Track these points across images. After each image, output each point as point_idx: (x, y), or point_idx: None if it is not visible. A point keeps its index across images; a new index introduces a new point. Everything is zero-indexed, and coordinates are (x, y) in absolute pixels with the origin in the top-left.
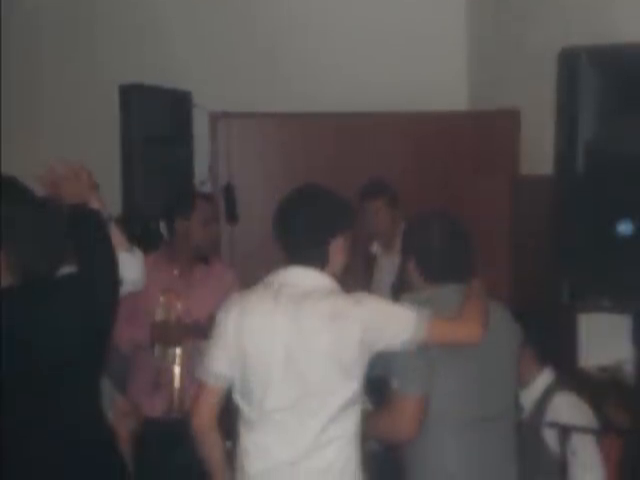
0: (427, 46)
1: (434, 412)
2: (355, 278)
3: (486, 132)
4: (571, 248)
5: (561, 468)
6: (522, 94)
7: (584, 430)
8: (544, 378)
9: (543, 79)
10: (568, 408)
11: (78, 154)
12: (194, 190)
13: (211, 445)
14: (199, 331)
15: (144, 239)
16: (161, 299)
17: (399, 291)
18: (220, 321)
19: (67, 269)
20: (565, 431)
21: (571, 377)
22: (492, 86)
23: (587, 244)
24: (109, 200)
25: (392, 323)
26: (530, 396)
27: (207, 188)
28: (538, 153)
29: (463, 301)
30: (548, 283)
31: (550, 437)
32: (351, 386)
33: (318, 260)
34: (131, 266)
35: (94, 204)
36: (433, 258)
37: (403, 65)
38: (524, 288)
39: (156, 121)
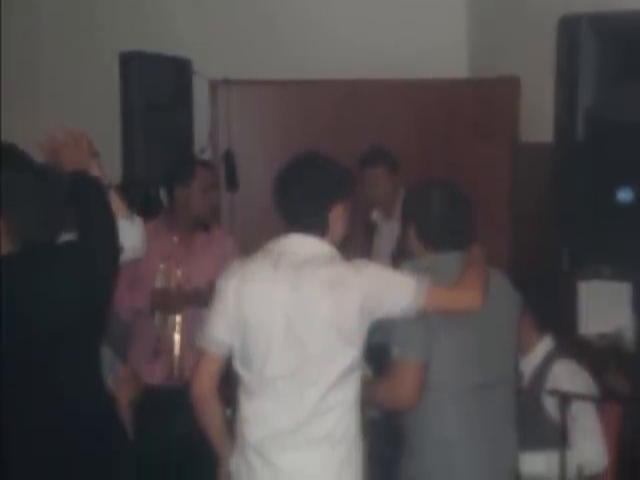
0: (427, 13)
1: (434, 379)
2: (355, 245)
3: (486, 99)
4: (571, 215)
5: (561, 435)
6: (522, 61)
7: (584, 397)
8: (544, 345)
9: (543, 46)
10: (568, 375)
11: (78, 121)
12: (194, 157)
13: (211, 413)
14: (199, 299)
15: (144, 206)
16: (161, 266)
17: (399, 258)
18: (220, 289)
19: (67, 236)
20: (565, 398)
21: (571, 344)
22: (492, 53)
23: (587, 211)
24: (109, 167)
25: (392, 290)
26: (530, 363)
27: (207, 155)
28: (538, 120)
29: (463, 268)
30: (548, 250)
31: (550, 404)
32: (351, 353)
33: (318, 228)
34: (131, 233)
35: (94, 171)
36: (433, 225)
37: (403, 33)
38: (524, 255)
39: (156, 89)
